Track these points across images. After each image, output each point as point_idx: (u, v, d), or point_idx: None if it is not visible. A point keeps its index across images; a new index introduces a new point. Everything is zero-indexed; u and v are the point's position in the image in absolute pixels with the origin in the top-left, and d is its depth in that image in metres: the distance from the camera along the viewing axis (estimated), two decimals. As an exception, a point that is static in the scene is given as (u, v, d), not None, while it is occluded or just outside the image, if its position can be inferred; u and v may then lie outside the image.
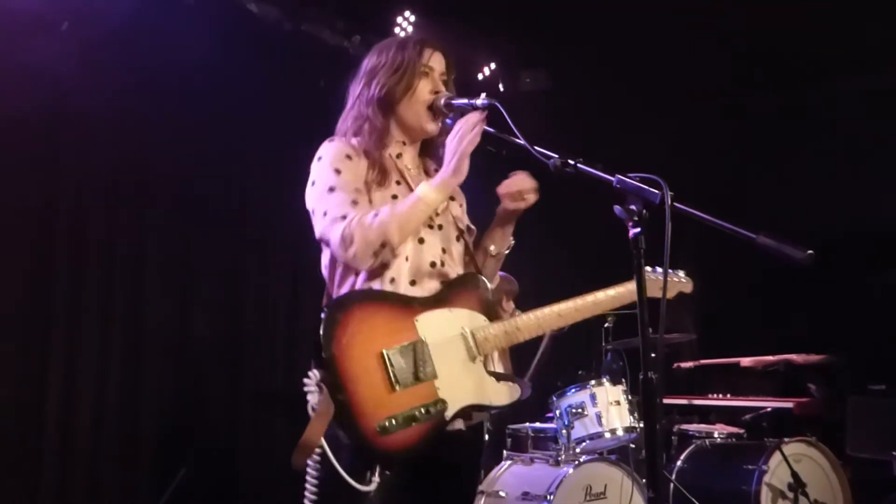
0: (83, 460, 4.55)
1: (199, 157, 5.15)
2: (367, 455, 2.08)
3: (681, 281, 2.84)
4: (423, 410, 2.12)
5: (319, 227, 2.29)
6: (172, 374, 4.98)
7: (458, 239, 2.45)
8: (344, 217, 2.21)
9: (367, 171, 2.34)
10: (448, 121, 2.42)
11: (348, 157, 2.33)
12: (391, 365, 2.11)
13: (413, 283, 2.30)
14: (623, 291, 2.52)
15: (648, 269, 2.43)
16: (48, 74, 4.40)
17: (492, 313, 2.36)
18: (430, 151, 2.55)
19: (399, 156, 2.46)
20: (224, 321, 5.31)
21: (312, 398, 2.05)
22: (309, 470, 2.08)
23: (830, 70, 6.15)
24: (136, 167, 4.90)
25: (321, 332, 2.08)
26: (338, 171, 2.29)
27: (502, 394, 2.30)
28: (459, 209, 2.54)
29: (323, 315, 2.11)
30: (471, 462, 2.47)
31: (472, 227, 2.57)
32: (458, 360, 2.24)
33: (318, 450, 2.05)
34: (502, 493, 4.21)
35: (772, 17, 5.71)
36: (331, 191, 2.27)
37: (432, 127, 2.43)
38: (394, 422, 2.07)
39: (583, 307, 2.45)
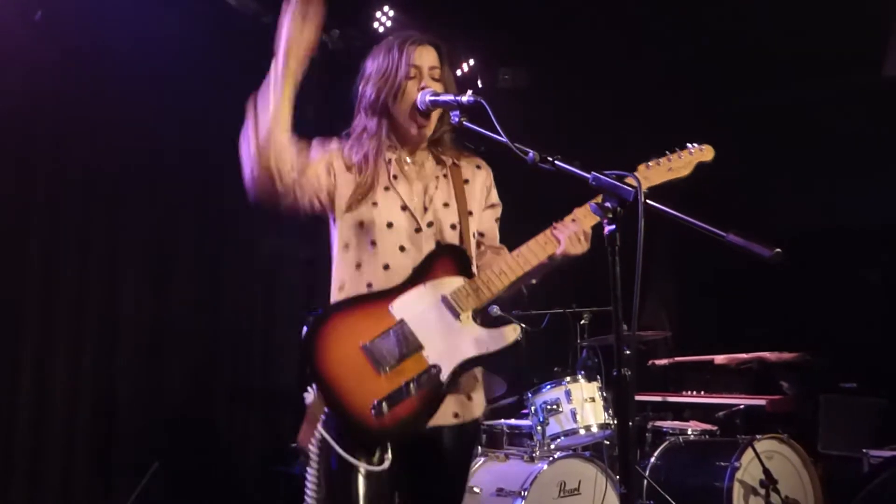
0: (56, 455, 4.51)
1: (175, 150, 5.12)
2: (369, 438, 2.21)
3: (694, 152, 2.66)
4: (414, 382, 2.22)
5: None
6: (147, 369, 4.95)
7: (453, 227, 2.45)
8: None
9: (355, 178, 2.40)
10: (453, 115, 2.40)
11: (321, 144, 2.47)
12: (370, 354, 2.22)
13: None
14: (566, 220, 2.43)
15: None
16: (22, 63, 4.35)
17: (471, 273, 2.39)
18: (441, 141, 2.54)
19: (398, 160, 2.47)
20: (200, 317, 5.27)
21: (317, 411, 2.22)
22: (310, 463, 2.20)
23: (807, 69, 6.20)
24: (111, 159, 4.86)
25: (303, 351, 2.24)
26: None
27: (498, 337, 2.34)
28: (474, 192, 2.53)
29: (303, 335, 2.24)
30: (465, 456, 2.51)
31: (497, 202, 2.58)
32: (443, 324, 2.31)
33: (316, 442, 2.20)
34: (476, 490, 4.21)
35: (751, 17, 5.76)
36: None
37: (414, 129, 2.43)
38: (386, 402, 2.18)
39: (540, 241, 2.39)
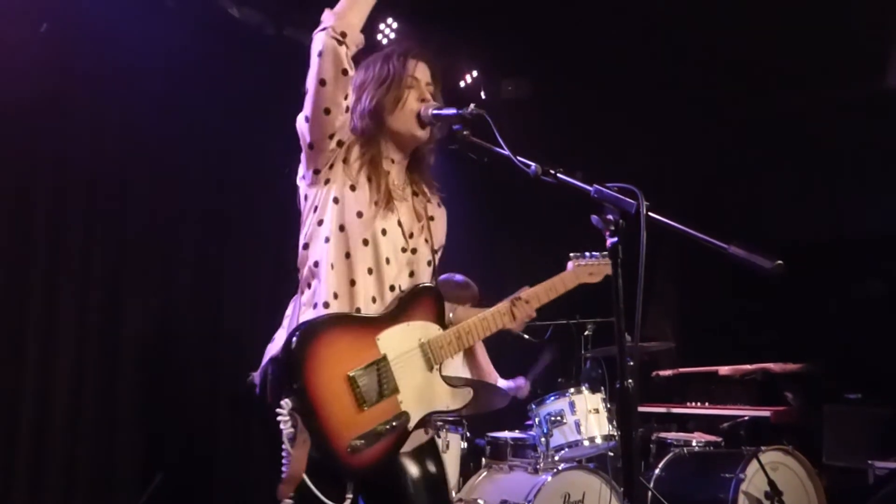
0: (58, 464, 4.50)
1: (179, 159, 5.14)
2: (341, 474, 2.16)
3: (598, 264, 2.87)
4: (387, 426, 2.21)
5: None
6: (149, 377, 4.94)
7: (429, 264, 2.48)
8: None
9: (367, 192, 2.36)
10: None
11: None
12: (358, 386, 2.18)
13: (374, 300, 2.32)
14: (556, 280, 2.73)
15: (575, 255, 2.81)
16: (26, 75, 4.37)
17: (444, 321, 2.45)
18: (420, 167, 2.56)
19: (388, 174, 2.46)
20: (202, 324, 5.27)
21: (286, 428, 2.08)
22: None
23: (805, 80, 6.21)
24: (115, 168, 4.88)
25: (289, 361, 2.13)
26: None
27: (457, 398, 2.44)
28: (438, 230, 2.56)
29: (292, 344, 2.14)
30: (437, 470, 2.46)
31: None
32: (417, 372, 2.33)
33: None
34: (481, 501, 4.21)
35: (748, 27, 5.77)
36: None
37: (421, 133, 2.44)
38: (363, 441, 2.16)
39: (520, 303, 2.60)
